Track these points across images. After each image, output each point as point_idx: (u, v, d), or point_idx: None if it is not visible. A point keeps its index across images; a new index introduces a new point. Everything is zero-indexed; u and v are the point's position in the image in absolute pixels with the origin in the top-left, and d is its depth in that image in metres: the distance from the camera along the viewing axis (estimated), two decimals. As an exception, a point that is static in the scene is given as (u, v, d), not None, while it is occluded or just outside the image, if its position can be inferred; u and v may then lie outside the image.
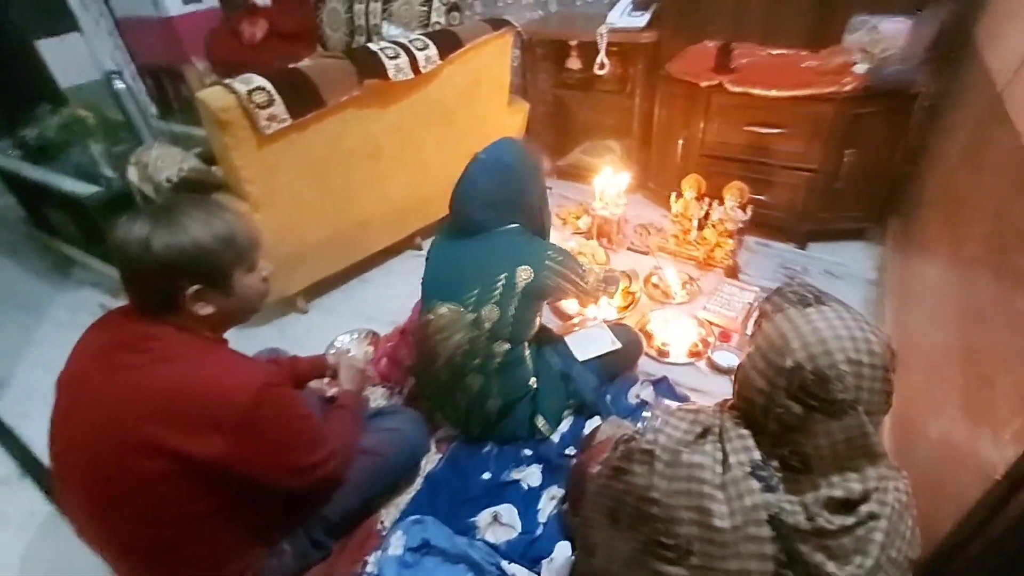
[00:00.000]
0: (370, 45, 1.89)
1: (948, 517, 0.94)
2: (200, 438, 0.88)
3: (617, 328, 1.74)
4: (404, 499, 1.44)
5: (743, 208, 2.10)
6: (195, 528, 0.97)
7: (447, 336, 1.38)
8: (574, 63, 2.76)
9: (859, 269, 2.16)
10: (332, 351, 2.00)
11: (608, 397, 1.65)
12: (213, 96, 1.60)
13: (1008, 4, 1.48)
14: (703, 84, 2.15)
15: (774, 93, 2.01)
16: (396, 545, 1.28)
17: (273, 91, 1.65)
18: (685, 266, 2.20)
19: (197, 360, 0.93)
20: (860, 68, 2.03)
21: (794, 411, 0.75)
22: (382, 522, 1.39)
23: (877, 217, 2.23)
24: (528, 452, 1.52)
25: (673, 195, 2.28)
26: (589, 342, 1.67)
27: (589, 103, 3.08)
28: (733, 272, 2.09)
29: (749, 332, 0.91)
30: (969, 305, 1.10)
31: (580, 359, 1.62)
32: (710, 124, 2.23)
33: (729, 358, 1.74)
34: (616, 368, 1.70)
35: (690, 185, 2.19)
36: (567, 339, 1.68)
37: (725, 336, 1.86)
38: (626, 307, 2.02)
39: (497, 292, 1.33)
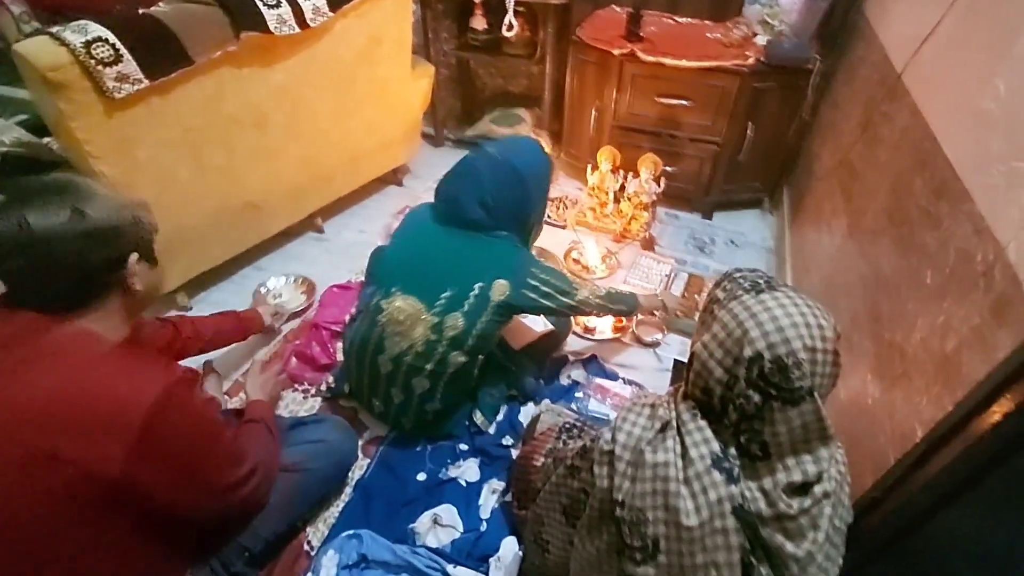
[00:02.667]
0: (245, -10, 1.59)
1: (866, 476, 1.01)
2: (96, 448, 0.73)
3: (544, 309, 1.69)
4: (333, 513, 1.30)
5: (657, 180, 2.13)
6: (88, 561, 0.79)
7: (400, 332, 1.25)
8: (479, 22, 2.59)
9: (758, 238, 2.31)
10: (264, 293, 1.90)
11: (541, 381, 1.61)
12: (37, 50, 1.25)
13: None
14: (616, 52, 2.11)
15: (684, 63, 2.02)
16: (329, 566, 1.16)
17: (119, 44, 1.32)
18: (602, 239, 2.20)
19: (94, 359, 0.79)
20: (761, 40, 2.11)
21: (753, 400, 0.73)
22: (309, 541, 1.25)
23: (772, 188, 2.38)
24: (464, 447, 1.44)
25: (589, 167, 2.25)
26: (522, 328, 1.60)
27: (497, 68, 2.95)
28: (649, 245, 2.12)
29: (697, 318, 0.87)
30: (872, 275, 1.18)
31: (516, 347, 1.55)
32: (623, 94, 2.21)
33: (652, 332, 1.78)
34: (547, 350, 1.66)
35: (605, 157, 2.17)
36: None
37: (646, 309, 1.89)
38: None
39: (469, 302, 1.22)
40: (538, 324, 1.61)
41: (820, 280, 1.54)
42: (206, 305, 1.93)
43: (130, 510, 0.79)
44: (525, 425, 1.49)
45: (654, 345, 1.74)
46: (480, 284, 1.21)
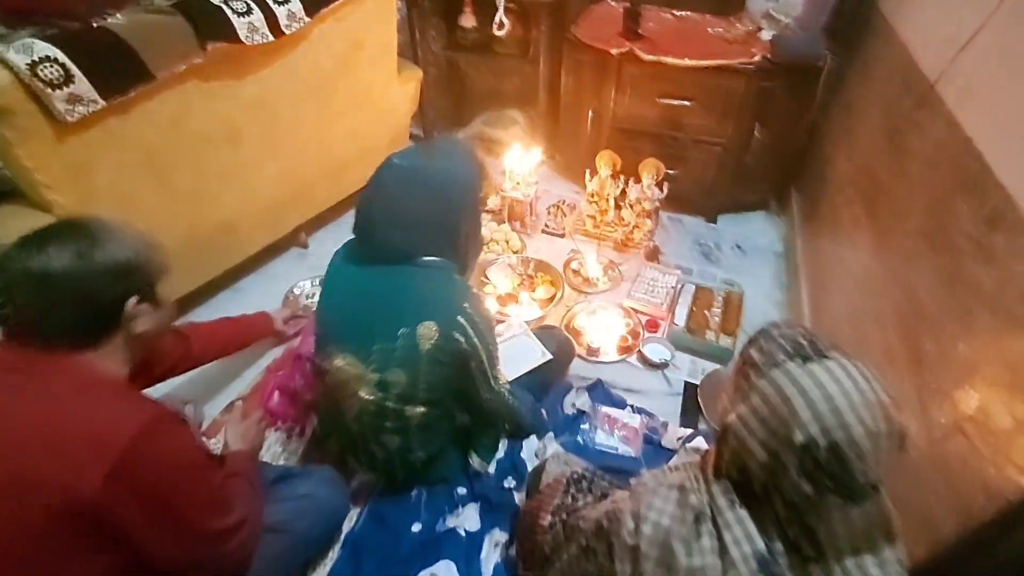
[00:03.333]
0: (210, -4, 1.44)
1: (917, 547, 0.90)
2: (75, 468, 0.71)
3: (544, 333, 1.58)
4: (320, 574, 1.19)
5: (659, 186, 2.01)
6: None
7: (350, 393, 1.11)
8: (468, 20, 2.44)
9: (766, 242, 2.20)
10: (296, 295, 1.84)
11: (543, 411, 1.50)
12: (-28, 71, 1.12)
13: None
14: (614, 51, 1.98)
15: (687, 63, 1.90)
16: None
17: (69, 63, 1.19)
18: (603, 249, 2.09)
19: (85, 388, 0.79)
20: (766, 35, 1.99)
21: (804, 491, 0.63)
22: (293, 607, 1.14)
23: (779, 190, 2.27)
24: (462, 491, 1.33)
25: (587, 173, 2.12)
26: (517, 357, 1.48)
27: (488, 67, 2.79)
28: (654, 255, 2.01)
29: (729, 382, 0.76)
30: (909, 305, 1.08)
31: (509, 378, 1.43)
32: (621, 95, 2.08)
33: (659, 351, 1.67)
34: (548, 378, 1.54)
35: (605, 162, 2.05)
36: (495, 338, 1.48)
37: (653, 325, 1.79)
38: (550, 299, 1.87)
39: (398, 353, 1.03)
40: (535, 352, 1.50)
41: (844, 302, 1.44)
42: (183, 334, 1.80)
43: (107, 547, 0.76)
44: (527, 463, 1.38)
45: (662, 366, 1.64)
46: (403, 330, 1.02)
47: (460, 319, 1.04)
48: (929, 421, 0.92)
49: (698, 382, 1.60)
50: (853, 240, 1.47)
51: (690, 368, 1.65)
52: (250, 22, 1.46)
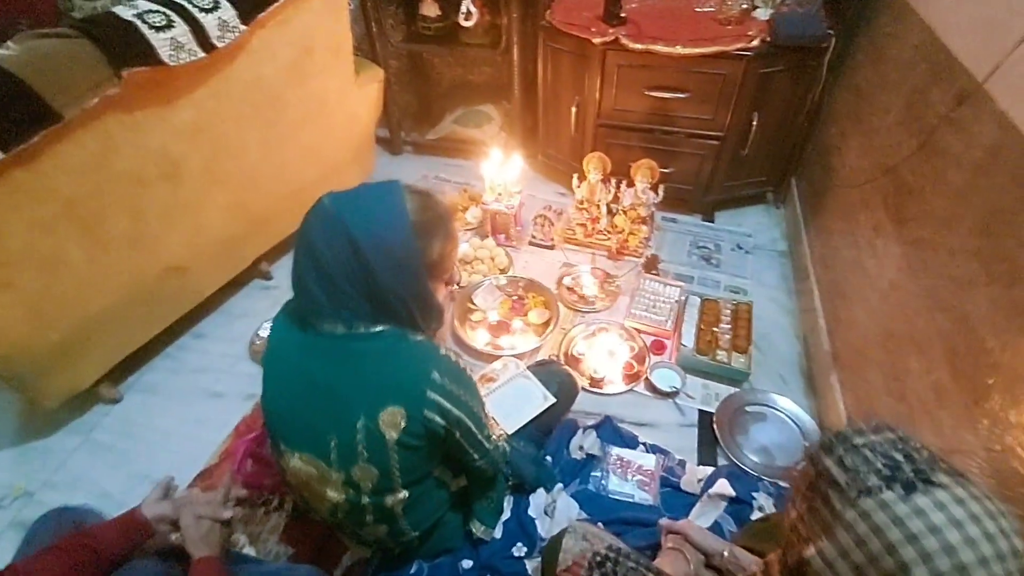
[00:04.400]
0: (119, 10, 1.20)
1: None
2: None
3: (543, 371, 1.43)
4: None
5: (654, 189, 1.85)
6: None
7: (316, 493, 0.94)
8: (430, 9, 2.21)
9: (767, 239, 2.06)
10: (260, 342, 1.64)
11: (548, 458, 1.36)
12: None
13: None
14: (597, 40, 1.78)
15: (680, 50, 1.71)
16: None
17: (-56, 112, 0.96)
18: (598, 259, 1.93)
19: None
20: (762, 13, 1.81)
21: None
22: None
23: (778, 181, 2.13)
24: (467, 564, 1.19)
25: (575, 177, 1.95)
26: (517, 404, 1.34)
27: (455, 59, 2.58)
28: (653, 264, 1.86)
29: (797, 490, 0.61)
30: (962, 337, 0.95)
31: (511, 431, 1.28)
32: (607, 87, 1.90)
33: (669, 377, 1.53)
34: (551, 422, 1.39)
35: (594, 166, 1.87)
36: (487, 404, 1.32)
37: (659, 346, 1.65)
38: (545, 324, 1.71)
39: (363, 446, 0.85)
40: (536, 398, 1.35)
41: (868, 318, 1.31)
42: (138, 393, 1.61)
43: None
44: (537, 522, 1.25)
45: (673, 394, 1.51)
46: (361, 422, 0.83)
47: (431, 395, 0.84)
48: (1000, 474, 0.80)
49: (713, 410, 1.47)
50: (874, 247, 1.34)
51: (703, 394, 1.52)
52: (172, 38, 1.23)
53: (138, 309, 1.49)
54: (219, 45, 1.32)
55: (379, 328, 0.84)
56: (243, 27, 1.36)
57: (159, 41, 1.21)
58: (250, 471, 1.37)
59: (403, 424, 0.83)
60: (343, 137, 1.97)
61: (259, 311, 1.83)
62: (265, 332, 1.72)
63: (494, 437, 1.04)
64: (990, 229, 0.92)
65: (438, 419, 0.86)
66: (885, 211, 1.31)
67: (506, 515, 1.26)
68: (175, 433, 1.51)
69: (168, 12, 1.23)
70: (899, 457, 0.55)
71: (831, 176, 1.73)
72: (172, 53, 1.23)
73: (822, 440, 0.60)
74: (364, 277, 0.80)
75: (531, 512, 1.27)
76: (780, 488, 1.28)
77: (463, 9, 1.97)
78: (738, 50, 1.69)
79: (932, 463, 0.54)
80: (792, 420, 1.44)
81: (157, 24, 1.21)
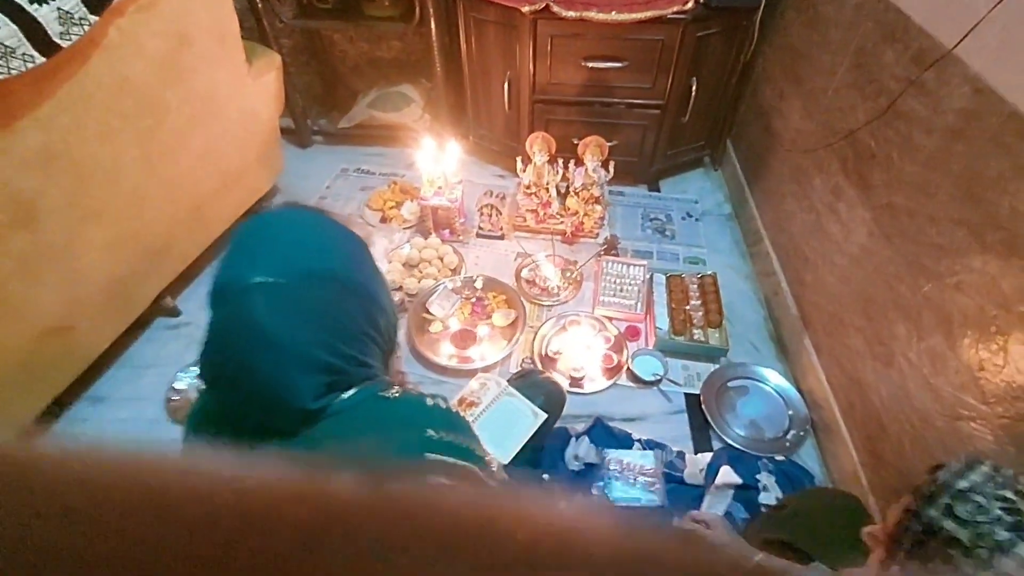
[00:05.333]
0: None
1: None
2: None
3: (525, 383, 1.31)
4: None
5: (605, 166, 1.76)
6: None
7: None
8: (324, -21, 1.91)
9: (712, 204, 2.06)
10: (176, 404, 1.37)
11: (546, 476, 1.27)
12: None
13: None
14: (526, 9, 1.61)
15: (615, 17, 1.60)
16: None
17: None
18: (554, 245, 1.82)
19: None
20: (688, -27, 1.73)
21: None
22: None
23: (715, 143, 2.12)
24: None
25: (519, 161, 1.80)
26: (507, 427, 1.22)
27: (359, 34, 2.28)
28: (613, 245, 1.79)
29: (890, 555, 0.55)
30: (958, 306, 0.95)
31: (505, 461, 1.17)
32: (541, 60, 1.75)
33: (651, 364, 1.49)
34: (542, 436, 1.29)
35: (539, 147, 1.74)
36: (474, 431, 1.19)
37: (633, 332, 1.60)
38: (512, 325, 1.59)
39: None
40: (526, 416, 1.24)
41: (838, 282, 1.32)
42: (33, 487, 1.29)
43: None
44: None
45: (656, 382, 1.46)
46: None
47: (433, 457, 0.67)
48: (1017, 439, 0.82)
49: (697, 391, 1.45)
50: (837, 212, 1.34)
51: (685, 375, 1.49)
52: (-1, 40, 0.91)
53: (16, 382, 1.18)
54: (63, 44, 1.01)
55: (352, 392, 0.66)
56: (93, 17, 1.04)
57: (-22, 44, 0.89)
58: None
59: None
60: (242, 137, 1.67)
61: (170, 356, 1.54)
62: (183, 383, 1.45)
63: (494, 467, 0.92)
64: (976, 195, 0.91)
65: (444, 480, 0.72)
66: (845, 176, 1.31)
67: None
68: None
69: (-15, 4, 0.91)
70: (1011, 495, 0.50)
71: (773, 138, 1.73)
72: (1, 62, 0.92)
73: (918, 490, 0.55)
74: (356, 317, 0.64)
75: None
76: (778, 463, 1.29)
77: (367, -22, 1.71)
78: (674, 14, 1.61)
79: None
80: (772, 388, 1.45)
81: (-28, 21, 0.89)
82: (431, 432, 0.68)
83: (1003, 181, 0.86)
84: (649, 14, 1.60)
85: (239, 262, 0.59)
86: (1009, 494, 0.50)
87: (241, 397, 0.62)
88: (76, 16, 1.02)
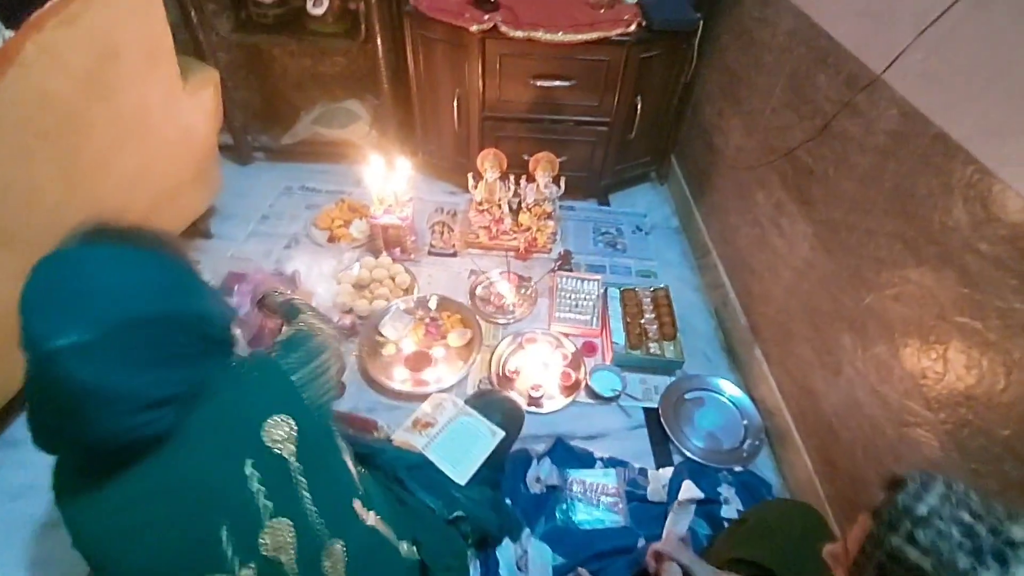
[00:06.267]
0: None
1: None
2: None
3: (482, 402, 1.29)
4: None
5: (556, 181, 1.77)
6: None
7: None
8: (264, -8, 1.85)
9: (660, 218, 2.12)
10: None
11: (508, 500, 1.24)
12: None
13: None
14: (474, 28, 1.61)
15: (562, 37, 1.62)
16: None
17: None
18: (504, 259, 1.81)
19: None
20: (630, -2, 1.79)
21: None
22: None
23: (660, 159, 2.18)
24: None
25: (470, 177, 1.79)
26: (462, 448, 1.18)
27: (302, 49, 2.21)
28: (567, 260, 1.79)
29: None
30: (897, 316, 1.01)
31: (463, 481, 1.13)
32: (490, 78, 1.75)
33: (609, 380, 1.49)
34: (502, 455, 1.27)
35: (490, 164, 1.73)
36: (429, 455, 1.15)
37: (590, 348, 1.60)
38: (468, 345, 1.56)
39: (262, 500, 0.66)
40: (484, 435, 1.21)
41: (783, 293, 1.37)
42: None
43: None
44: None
45: (615, 398, 1.47)
46: (249, 466, 0.66)
47: (296, 378, 0.74)
48: (960, 446, 0.86)
49: (656, 405, 1.46)
50: (780, 226, 1.40)
51: (643, 389, 1.51)
52: None
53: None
54: (-30, 57, 0.92)
55: (197, 383, 0.66)
56: (8, 32, 0.96)
57: None
58: None
59: (295, 429, 0.70)
60: (177, 155, 1.57)
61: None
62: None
63: (313, 322, 0.92)
64: (909, 211, 0.97)
65: (317, 396, 0.75)
66: (786, 192, 1.37)
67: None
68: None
69: None
70: (974, 522, 0.51)
71: (716, 155, 1.79)
72: None
73: (878, 514, 0.56)
74: (182, 337, 0.63)
75: (503, 572, 1.15)
76: (737, 475, 1.31)
77: (310, -7, 1.66)
78: (618, 36, 1.65)
79: (998, 516, 0.52)
80: (727, 398, 1.49)
81: None
82: (282, 363, 0.75)
83: (933, 198, 0.91)
84: (594, 35, 1.64)
85: (41, 323, 0.53)
86: (967, 517, 0.52)
87: (86, 448, 0.60)
88: None
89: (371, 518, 0.85)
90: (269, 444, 0.67)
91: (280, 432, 0.68)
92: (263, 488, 0.67)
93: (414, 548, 0.95)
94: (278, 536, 0.68)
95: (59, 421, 0.57)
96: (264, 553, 0.67)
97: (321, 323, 0.95)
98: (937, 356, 0.89)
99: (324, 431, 0.77)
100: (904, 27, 0.96)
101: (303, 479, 0.70)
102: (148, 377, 0.58)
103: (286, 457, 0.68)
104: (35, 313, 0.54)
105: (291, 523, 0.69)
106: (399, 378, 1.47)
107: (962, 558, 0.49)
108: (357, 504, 0.82)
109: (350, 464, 0.82)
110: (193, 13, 1.78)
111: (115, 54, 1.22)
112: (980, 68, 0.84)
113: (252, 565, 0.66)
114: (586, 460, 1.35)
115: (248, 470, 0.66)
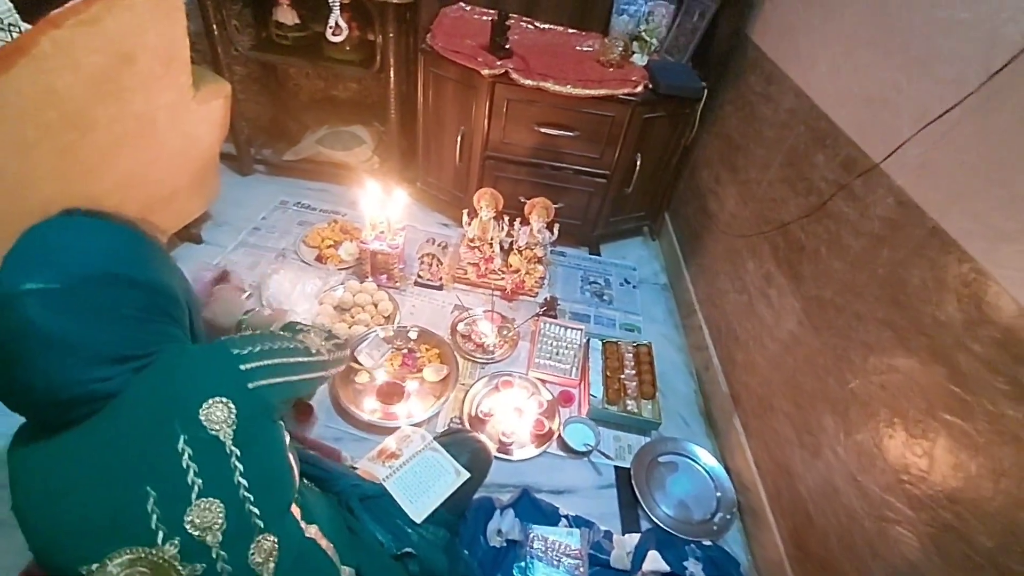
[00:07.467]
0: None
1: None
2: None
3: (450, 440, 1.26)
4: None
5: (550, 228, 1.78)
6: None
7: None
8: (286, 15, 1.90)
9: (649, 273, 2.13)
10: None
11: (465, 552, 1.18)
12: None
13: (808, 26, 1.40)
14: (486, 72, 1.65)
15: (570, 90, 1.66)
16: None
17: None
18: (490, 298, 1.79)
19: None
20: (639, 59, 1.85)
21: None
22: None
23: (654, 215, 2.21)
24: None
25: (465, 214, 1.79)
26: (424, 484, 1.14)
27: (319, 73, 2.27)
28: (551, 306, 1.78)
29: None
30: (885, 402, 0.99)
31: (419, 519, 1.08)
32: (495, 120, 1.78)
33: (582, 434, 1.45)
34: (462, 501, 1.21)
35: (487, 203, 1.74)
36: (388, 486, 1.11)
37: (567, 398, 1.57)
38: (443, 381, 1.52)
39: (192, 475, 0.65)
40: (447, 473, 1.16)
41: (768, 366, 1.36)
42: None
43: None
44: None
45: (587, 453, 1.43)
46: (182, 438, 0.65)
47: (246, 365, 0.73)
48: (941, 550, 0.83)
49: (628, 465, 1.42)
50: (768, 297, 1.40)
51: (616, 447, 1.47)
52: None
53: None
54: (-17, 52, 0.92)
55: (151, 351, 0.68)
56: (24, 25, 0.96)
57: None
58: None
59: (233, 413, 0.69)
60: (178, 162, 1.57)
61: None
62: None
63: (317, 341, 0.94)
64: (900, 301, 0.96)
65: (268, 381, 0.75)
66: (776, 264, 1.38)
67: (422, 634, 1.05)
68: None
69: None
70: None
71: (709, 218, 1.82)
72: None
73: None
74: (164, 301, 0.70)
75: (450, 620, 1.08)
76: (705, 549, 1.26)
77: (331, 23, 1.70)
78: (625, 95, 1.70)
79: None
80: (701, 466, 1.45)
81: None
82: (237, 350, 0.75)
83: (926, 290, 0.91)
84: (602, 92, 1.68)
85: (12, 270, 0.59)
86: None
87: (36, 400, 0.62)
88: (5, 22, 0.94)
89: (311, 531, 0.81)
90: (206, 424, 0.66)
91: (218, 414, 0.68)
92: (194, 465, 0.65)
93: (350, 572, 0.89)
94: (205, 515, 0.66)
95: (14, 369, 0.59)
96: (190, 531, 0.64)
97: (322, 343, 0.96)
98: (923, 452, 0.86)
99: (266, 425, 0.74)
100: (905, 119, 0.99)
101: (239, 464, 0.68)
102: (103, 333, 0.62)
103: (222, 440, 0.67)
104: (7, 262, 0.60)
105: (221, 505, 0.67)
106: (368, 408, 1.43)
107: None
108: (296, 511, 0.79)
109: (295, 470, 0.79)
110: (215, 27, 1.82)
111: (130, 58, 1.23)
112: (979, 168, 0.84)
113: (176, 541, 0.64)
114: (551, 516, 1.29)
115: (180, 445, 0.65)
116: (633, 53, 1.86)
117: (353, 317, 1.65)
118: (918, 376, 0.90)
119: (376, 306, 1.70)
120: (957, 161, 0.89)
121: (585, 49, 1.90)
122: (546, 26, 2.01)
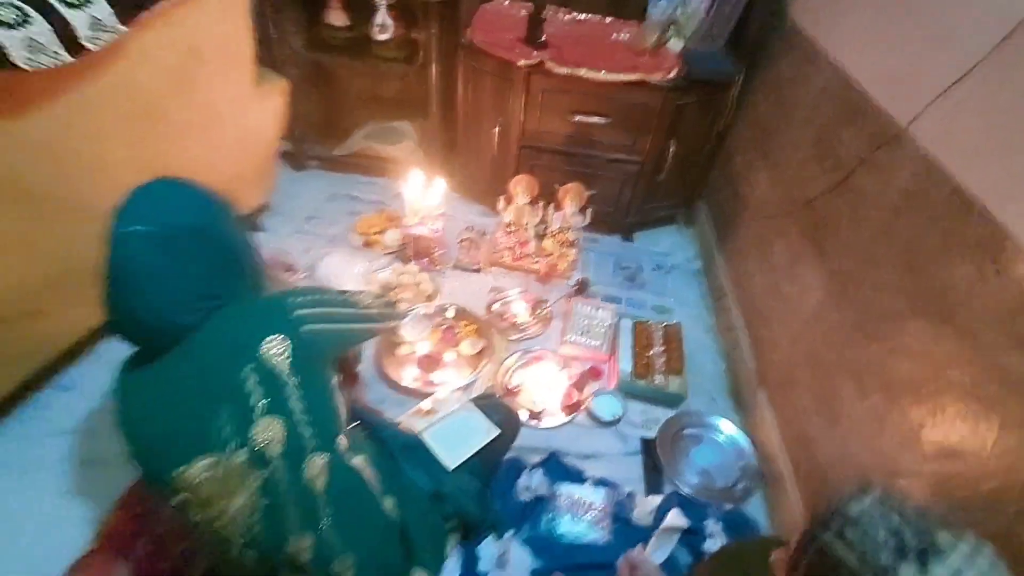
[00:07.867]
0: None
1: None
2: None
3: (484, 403, 1.35)
4: None
5: (582, 212, 1.85)
6: None
7: (222, 509, 0.82)
8: (337, 18, 2.05)
9: (682, 259, 2.16)
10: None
11: (495, 500, 1.28)
12: None
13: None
14: (521, 63, 1.75)
15: (604, 76, 1.73)
16: None
17: None
18: (525, 280, 1.89)
19: None
20: (674, 45, 1.89)
21: None
22: None
23: (688, 203, 2.25)
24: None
25: (501, 200, 1.89)
26: (458, 437, 1.24)
27: (364, 70, 2.41)
28: (583, 288, 1.86)
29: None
30: (900, 373, 1.02)
31: (452, 466, 1.19)
32: (531, 110, 1.87)
33: (610, 405, 1.53)
34: (494, 456, 1.31)
35: (522, 188, 1.84)
36: (425, 437, 1.22)
37: (596, 372, 1.64)
38: (479, 354, 1.63)
39: (257, 397, 0.80)
40: (480, 428, 1.26)
41: (791, 341, 1.39)
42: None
43: None
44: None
45: (615, 423, 1.50)
46: (249, 367, 0.80)
47: (303, 311, 0.86)
48: (949, 498, 0.86)
49: (654, 435, 1.48)
50: (793, 275, 1.43)
51: (643, 419, 1.53)
52: (27, 38, 0.98)
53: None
54: (91, 47, 1.08)
55: (223, 296, 0.84)
56: (122, 28, 1.13)
57: (10, 39, 0.95)
58: (143, 554, 1.13)
59: (287, 348, 0.82)
60: (239, 152, 1.74)
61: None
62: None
63: (367, 300, 1.08)
64: (915, 267, 0.99)
65: (318, 327, 0.87)
66: (802, 242, 1.41)
67: (452, 567, 1.16)
68: (36, 515, 1.21)
69: (22, 5, 0.98)
70: (897, 521, 0.55)
71: (741, 203, 1.85)
72: (28, 57, 0.98)
73: (816, 515, 0.60)
74: (233, 259, 0.86)
75: (482, 568, 1.18)
76: (727, 512, 1.31)
77: (378, 22, 1.84)
78: (658, 81, 1.75)
79: (928, 523, 0.55)
80: (727, 439, 1.49)
81: (8, 20, 0.96)
82: (292, 299, 0.88)
83: (936, 255, 0.94)
84: (635, 76, 1.74)
85: (124, 215, 0.76)
86: (896, 520, 0.55)
87: (139, 323, 0.79)
88: (107, 24, 1.10)
89: (358, 460, 0.93)
90: (266, 356, 0.81)
91: (277, 349, 0.82)
92: (259, 388, 0.80)
93: (397, 510, 1.00)
94: (269, 431, 0.81)
95: (122, 294, 0.77)
96: (255, 445, 0.79)
97: (373, 301, 1.11)
98: (933, 408, 0.90)
99: (317, 364, 0.87)
100: (931, 83, 1.01)
101: (295, 391, 0.82)
102: (191, 271, 0.79)
103: (280, 370, 0.81)
104: (123, 208, 0.77)
105: (281, 423, 0.81)
106: (409, 376, 1.55)
107: (885, 555, 0.52)
108: (344, 441, 0.91)
109: (342, 409, 0.92)
110: (272, 28, 1.99)
111: (199, 55, 1.39)
112: (1001, 128, 0.87)
113: (244, 451, 0.79)
114: (577, 477, 1.38)
115: (246, 373, 0.80)
116: (669, 39, 1.91)
117: (397, 296, 1.78)
118: (928, 338, 0.94)
119: (418, 286, 1.82)
120: (980, 121, 0.91)
121: (619, 38, 1.95)
122: (583, 16, 2.07)
